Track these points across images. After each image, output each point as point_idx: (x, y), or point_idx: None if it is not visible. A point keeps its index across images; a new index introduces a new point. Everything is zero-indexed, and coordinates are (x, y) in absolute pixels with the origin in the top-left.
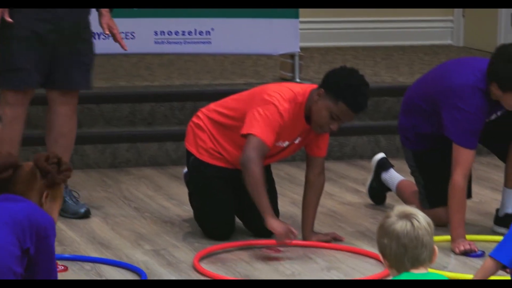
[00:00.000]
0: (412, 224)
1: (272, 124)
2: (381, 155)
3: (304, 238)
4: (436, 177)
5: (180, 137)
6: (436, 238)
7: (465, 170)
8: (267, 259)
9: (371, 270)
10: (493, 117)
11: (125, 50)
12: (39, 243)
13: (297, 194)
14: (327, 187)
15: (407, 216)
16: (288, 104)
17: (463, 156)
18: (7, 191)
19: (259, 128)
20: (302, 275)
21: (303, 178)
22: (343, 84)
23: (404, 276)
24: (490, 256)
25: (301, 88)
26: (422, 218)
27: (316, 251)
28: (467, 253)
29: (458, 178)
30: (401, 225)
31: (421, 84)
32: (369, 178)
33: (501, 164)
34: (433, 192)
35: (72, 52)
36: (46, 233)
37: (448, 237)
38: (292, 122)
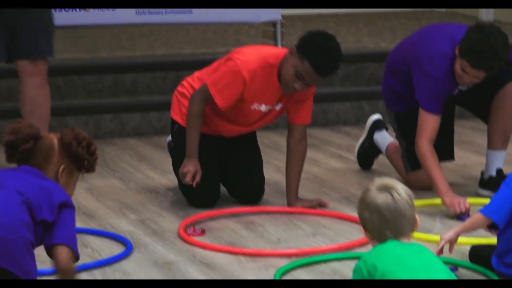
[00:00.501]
0: (393, 196)
1: (227, 80)
2: (377, 116)
3: (289, 205)
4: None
5: (163, 106)
6: (421, 202)
7: (429, 135)
8: (252, 226)
9: (356, 235)
10: (464, 88)
11: None
12: (59, 215)
13: (281, 161)
14: (312, 153)
15: (387, 189)
16: (256, 63)
17: (426, 121)
18: (27, 162)
19: (212, 80)
20: (287, 241)
21: (284, 144)
22: (313, 44)
23: (389, 244)
24: (479, 211)
25: (277, 51)
26: (402, 190)
27: (301, 217)
28: (460, 216)
29: (422, 143)
30: (381, 198)
31: (401, 47)
32: (361, 138)
33: (484, 128)
34: (414, 155)
35: (33, 20)
36: (65, 204)
37: (432, 201)
38: (263, 83)
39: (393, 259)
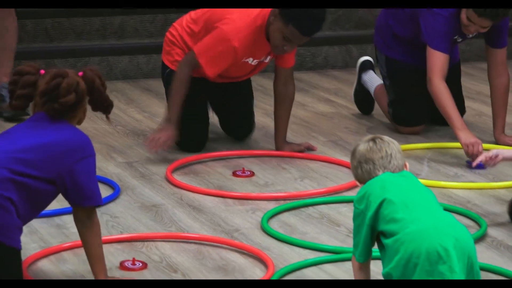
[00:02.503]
0: (375, 142)
1: (217, 50)
2: (365, 57)
3: (277, 148)
4: (405, 92)
5: (151, 50)
6: (409, 146)
7: (441, 72)
8: (241, 170)
9: (344, 178)
10: (459, 40)
11: None
12: (72, 167)
13: (270, 105)
14: (300, 97)
15: (372, 139)
16: (245, 30)
17: (436, 60)
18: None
19: (201, 49)
20: (275, 185)
21: (272, 88)
22: (295, 7)
23: (383, 176)
24: None
25: (260, 11)
26: (386, 138)
27: (289, 161)
28: (469, 161)
29: (435, 81)
30: (364, 145)
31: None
32: (354, 83)
33: (473, 72)
34: (399, 111)
35: None
36: (84, 153)
37: (420, 145)
38: (254, 45)
39: (380, 180)
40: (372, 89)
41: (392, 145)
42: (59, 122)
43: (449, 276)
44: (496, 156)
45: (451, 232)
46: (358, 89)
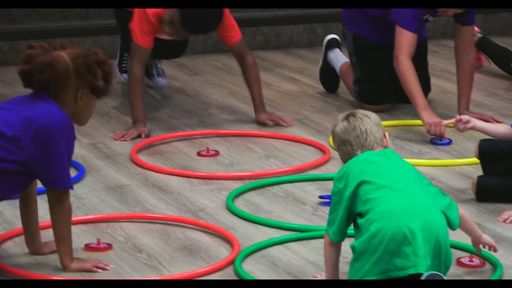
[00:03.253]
0: (348, 121)
1: (143, 26)
2: (331, 35)
3: (256, 117)
4: (371, 70)
5: (115, 31)
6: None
7: (408, 51)
8: (206, 150)
9: (308, 157)
10: (431, 18)
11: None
12: (45, 147)
13: (235, 84)
14: (265, 76)
15: (346, 117)
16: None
17: (404, 38)
18: (44, 90)
19: (134, 33)
20: (240, 164)
21: (238, 68)
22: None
23: (364, 154)
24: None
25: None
26: (359, 113)
27: (255, 140)
28: (432, 139)
29: (401, 58)
30: (339, 126)
31: None
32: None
33: (437, 49)
34: (364, 89)
35: None
36: (51, 137)
37: (385, 122)
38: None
39: (361, 160)
40: (338, 67)
41: (367, 120)
42: (44, 101)
43: (413, 259)
44: (468, 121)
45: (421, 214)
46: (324, 67)
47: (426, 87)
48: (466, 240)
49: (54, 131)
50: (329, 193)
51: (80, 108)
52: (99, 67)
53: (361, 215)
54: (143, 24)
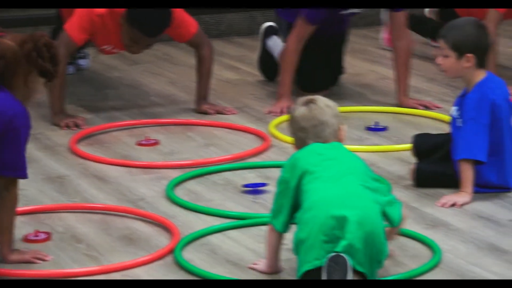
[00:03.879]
0: (309, 108)
1: (82, 23)
2: (268, 23)
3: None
4: (307, 58)
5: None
6: None
7: (299, 37)
8: (145, 139)
9: (249, 145)
10: (356, 11)
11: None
12: (2, 135)
13: (175, 73)
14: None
15: (306, 102)
16: (105, 10)
17: (300, 26)
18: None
19: (71, 25)
20: (180, 153)
21: (181, 58)
22: (134, 11)
23: (313, 145)
24: (461, 160)
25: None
26: (320, 101)
27: (194, 129)
28: (369, 128)
29: (290, 42)
30: (299, 111)
31: None
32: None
33: (376, 35)
34: (302, 76)
35: None
36: (10, 126)
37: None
38: (109, 30)
39: (309, 150)
40: (276, 53)
41: (327, 110)
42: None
43: (344, 243)
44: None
45: (355, 203)
46: (263, 56)
47: (338, 71)
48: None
49: (13, 120)
50: (263, 181)
51: (29, 93)
52: (47, 50)
53: (301, 206)
54: (83, 19)
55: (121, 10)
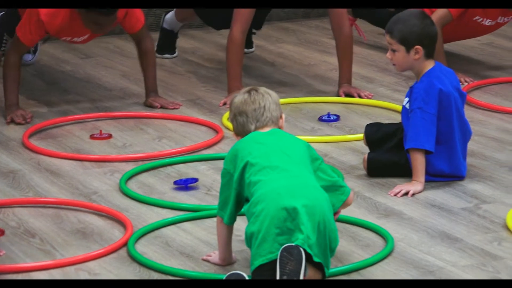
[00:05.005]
0: (250, 93)
1: (31, 29)
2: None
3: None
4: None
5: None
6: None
7: (243, 26)
8: (99, 133)
9: (202, 137)
10: None
11: None
12: None
13: (127, 66)
14: (157, 59)
15: (247, 90)
16: (56, 11)
17: (241, 12)
18: None
19: (21, 29)
20: (134, 146)
21: (132, 51)
22: None
23: (252, 134)
24: (411, 148)
25: None
26: (262, 89)
27: (148, 121)
28: (321, 118)
29: (236, 33)
30: (239, 97)
31: None
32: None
33: (329, 26)
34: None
35: None
36: None
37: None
38: (72, 22)
39: (249, 140)
40: (173, 16)
41: (267, 96)
42: None
43: (298, 233)
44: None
45: (304, 192)
46: (161, 36)
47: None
48: (359, 215)
49: None
50: (194, 177)
51: None
52: None
53: (247, 199)
54: (32, 22)
55: None
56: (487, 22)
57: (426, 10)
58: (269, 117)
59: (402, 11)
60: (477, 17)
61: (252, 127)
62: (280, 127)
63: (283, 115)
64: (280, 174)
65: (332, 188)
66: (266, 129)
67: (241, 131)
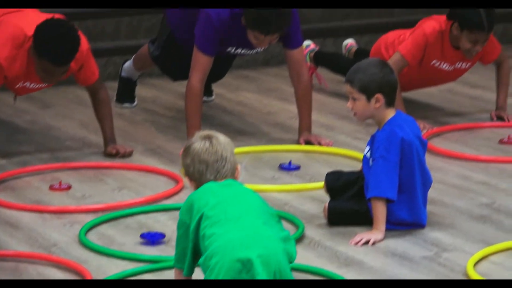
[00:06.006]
0: (211, 142)
1: None
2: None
3: (104, 152)
4: (171, 55)
5: None
6: None
7: (201, 75)
8: (58, 184)
9: (162, 187)
10: (243, 51)
11: None
12: None
13: (86, 115)
14: (117, 106)
15: (207, 137)
16: (8, 50)
17: (200, 61)
18: None
19: None
20: (93, 196)
21: (89, 99)
22: (41, 42)
23: (209, 185)
24: (372, 197)
25: (28, 37)
26: (222, 138)
27: (107, 172)
28: (282, 166)
29: (194, 82)
30: (200, 144)
31: None
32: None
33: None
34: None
35: None
36: None
37: (237, 149)
38: (30, 67)
39: (205, 191)
40: (131, 62)
41: (228, 147)
42: None
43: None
44: None
45: (259, 243)
46: (120, 84)
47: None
48: (320, 265)
49: None
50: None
51: None
52: None
53: (202, 253)
54: None
55: (29, 44)
56: (445, 67)
57: (385, 56)
58: (229, 169)
59: (362, 60)
60: (434, 61)
61: (211, 177)
62: (235, 178)
63: (239, 166)
64: (235, 226)
65: (287, 238)
66: (223, 180)
67: (197, 178)
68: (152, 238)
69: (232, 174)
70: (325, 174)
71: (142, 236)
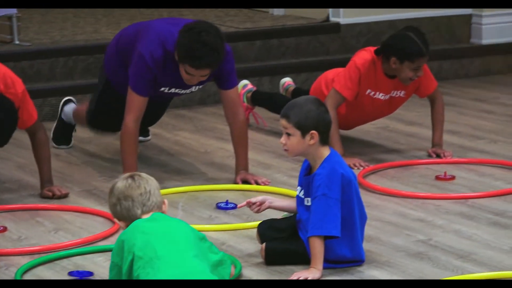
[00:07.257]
0: (133, 179)
1: None
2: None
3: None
4: (107, 107)
5: None
6: (163, 191)
7: (136, 115)
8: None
9: (99, 228)
10: (177, 91)
11: None
12: None
13: (23, 158)
14: (53, 149)
15: (129, 176)
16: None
17: (134, 102)
18: None
19: None
20: (29, 238)
21: (28, 142)
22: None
23: (136, 223)
24: (312, 236)
25: None
26: (144, 175)
27: (43, 213)
28: (219, 205)
29: (129, 123)
30: (122, 182)
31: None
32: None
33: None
34: (97, 117)
35: None
36: None
37: (174, 189)
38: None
39: (133, 230)
40: (70, 115)
41: (151, 182)
42: None
43: None
44: (262, 203)
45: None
46: (59, 126)
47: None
48: None
49: None
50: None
51: None
52: None
53: None
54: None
55: None
56: (381, 96)
57: (325, 93)
58: (155, 202)
59: (298, 97)
60: (368, 91)
61: (139, 211)
62: (163, 212)
63: (166, 201)
64: (166, 265)
65: (220, 262)
66: (150, 214)
67: (125, 216)
68: (80, 275)
69: (159, 207)
70: (258, 224)
71: (70, 274)
